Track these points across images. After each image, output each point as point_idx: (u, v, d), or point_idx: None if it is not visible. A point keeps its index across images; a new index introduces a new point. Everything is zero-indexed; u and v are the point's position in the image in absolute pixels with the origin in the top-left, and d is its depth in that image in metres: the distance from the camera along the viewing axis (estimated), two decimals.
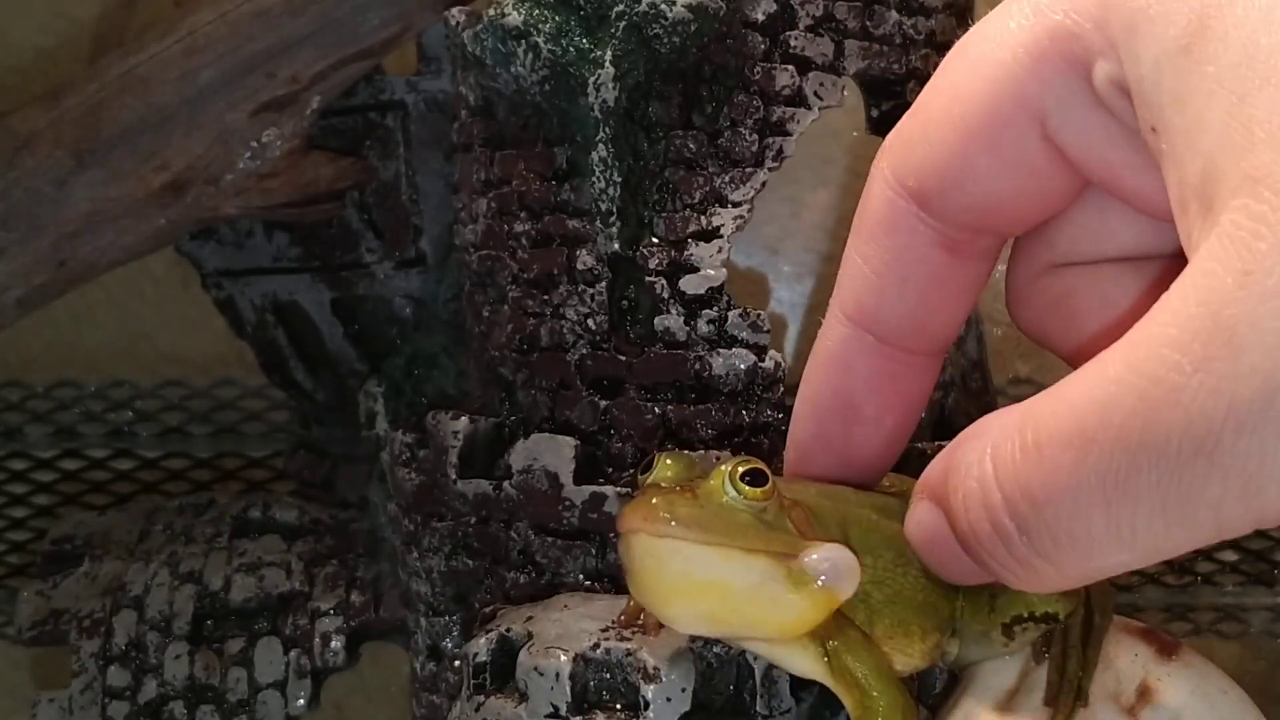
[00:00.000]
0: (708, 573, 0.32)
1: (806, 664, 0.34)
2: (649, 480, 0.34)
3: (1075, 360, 0.32)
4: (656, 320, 0.47)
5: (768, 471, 0.33)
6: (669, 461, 0.34)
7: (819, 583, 0.33)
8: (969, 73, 0.30)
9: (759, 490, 0.33)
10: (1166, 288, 0.25)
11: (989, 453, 0.28)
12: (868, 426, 0.35)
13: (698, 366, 0.47)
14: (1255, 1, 0.24)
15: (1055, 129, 0.29)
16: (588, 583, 0.46)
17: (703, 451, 0.46)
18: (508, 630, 0.41)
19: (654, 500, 0.32)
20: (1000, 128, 0.29)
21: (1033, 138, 0.29)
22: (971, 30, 0.30)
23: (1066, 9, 0.28)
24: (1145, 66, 0.26)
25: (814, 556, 0.33)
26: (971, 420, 0.51)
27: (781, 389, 0.48)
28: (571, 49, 0.46)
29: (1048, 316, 0.33)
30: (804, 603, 0.33)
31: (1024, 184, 0.30)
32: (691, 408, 0.47)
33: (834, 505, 0.35)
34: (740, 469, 0.33)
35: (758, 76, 0.48)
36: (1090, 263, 0.32)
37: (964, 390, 0.53)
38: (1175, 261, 0.25)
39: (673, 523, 0.32)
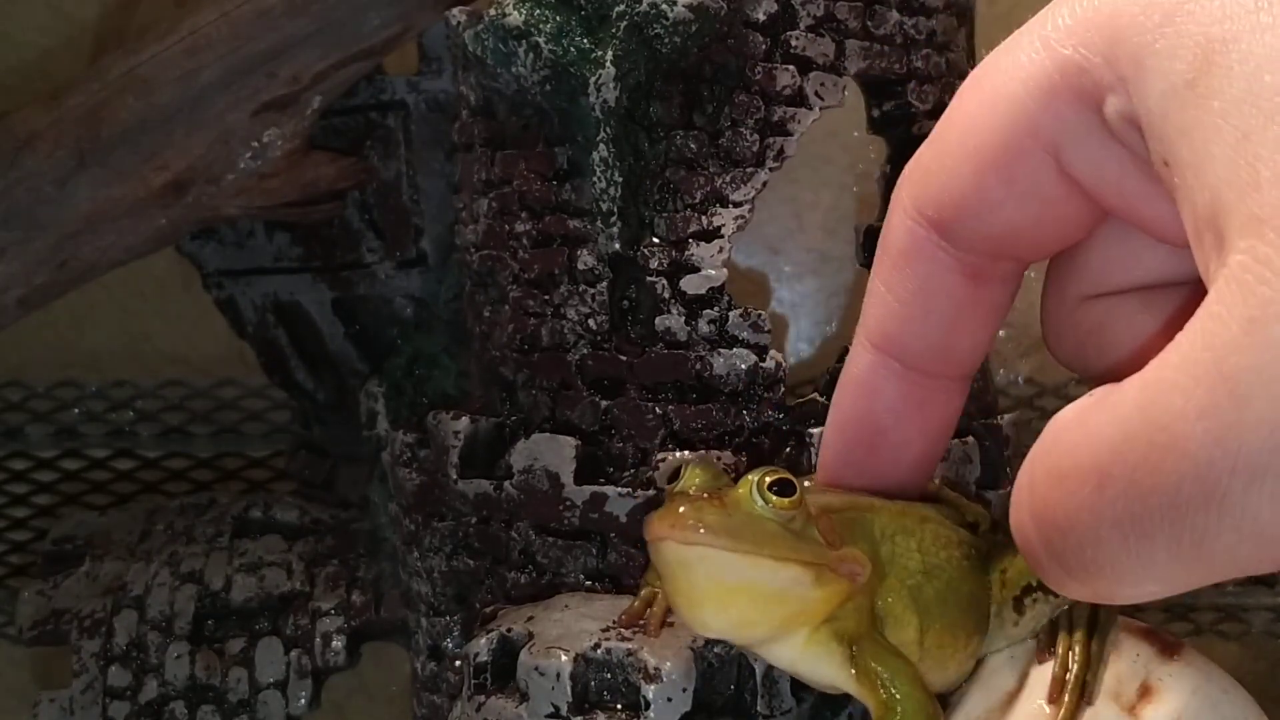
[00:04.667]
0: (737, 578, 0.33)
1: (832, 671, 0.34)
2: (676, 488, 0.34)
3: None
4: (657, 320, 0.47)
5: (795, 481, 0.33)
6: (697, 470, 0.34)
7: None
8: (982, 105, 0.30)
9: (787, 500, 0.33)
10: (1189, 317, 0.24)
11: (1027, 467, 0.28)
12: (894, 452, 0.35)
13: (699, 366, 0.47)
14: (1261, 38, 0.24)
15: (1069, 161, 0.29)
16: (588, 583, 0.46)
17: (704, 452, 0.46)
18: (508, 630, 0.41)
19: (682, 509, 0.32)
20: (1014, 160, 0.29)
21: (1047, 170, 0.29)
22: (984, 61, 0.30)
23: (1075, 44, 0.28)
24: (1153, 101, 0.26)
25: (845, 566, 0.34)
26: (972, 420, 0.51)
27: (782, 389, 0.48)
28: (572, 49, 0.46)
29: (1083, 348, 0.33)
30: (827, 593, 0.33)
31: (1041, 214, 0.30)
32: (692, 408, 0.47)
33: (859, 501, 0.36)
34: (768, 478, 0.33)
35: (759, 76, 0.48)
36: (1120, 292, 0.32)
37: None
38: (1200, 289, 0.25)
39: (701, 530, 0.32)
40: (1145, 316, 0.32)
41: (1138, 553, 0.25)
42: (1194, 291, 0.30)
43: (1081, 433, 0.26)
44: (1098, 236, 0.32)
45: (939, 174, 0.31)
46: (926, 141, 0.32)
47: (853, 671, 0.34)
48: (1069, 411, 0.27)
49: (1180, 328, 0.25)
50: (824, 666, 0.34)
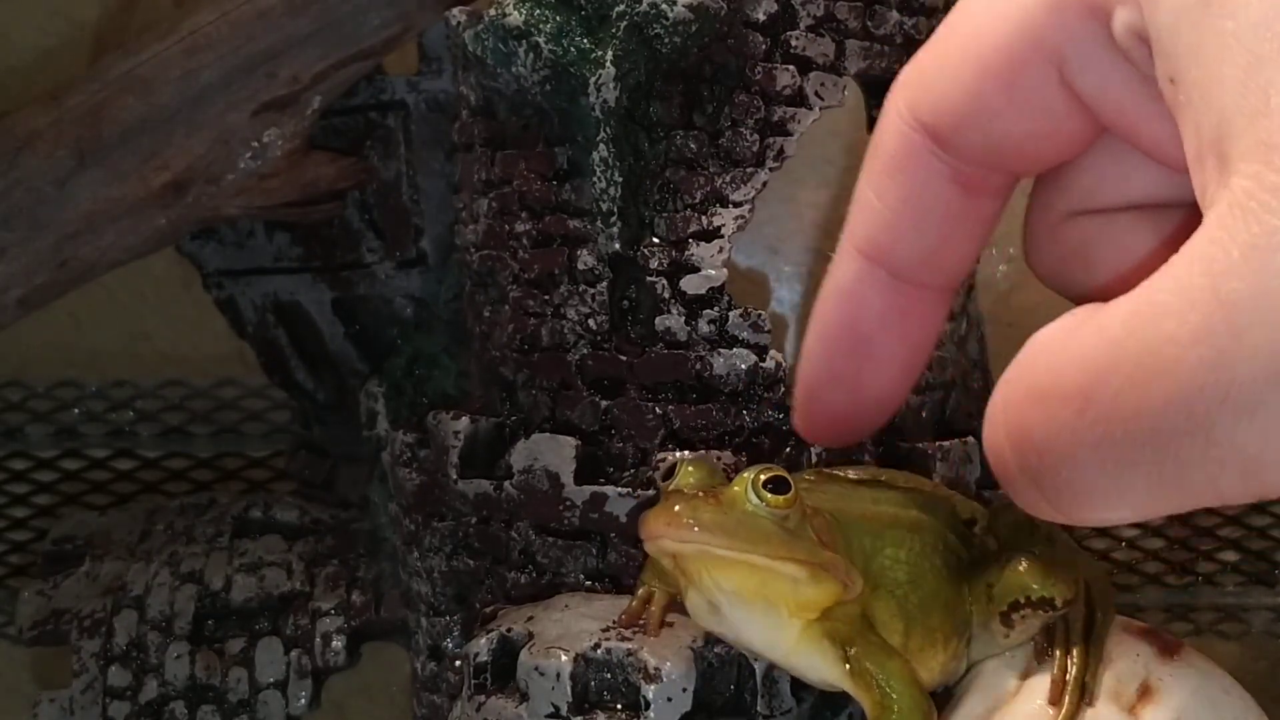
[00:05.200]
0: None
1: (826, 667, 0.34)
2: (671, 486, 0.34)
3: None
4: (657, 320, 0.47)
5: (790, 479, 0.33)
6: (691, 468, 0.34)
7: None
8: (988, 12, 0.29)
9: (782, 498, 0.33)
10: (1182, 241, 0.24)
11: (1003, 386, 0.28)
12: (878, 363, 0.35)
13: (699, 366, 0.47)
14: None
15: (1073, 74, 0.29)
16: (588, 583, 0.46)
17: (704, 452, 0.46)
18: (508, 630, 0.41)
19: (677, 507, 0.32)
20: (1018, 70, 0.29)
21: (1050, 82, 0.29)
22: None
23: None
24: (1165, 16, 0.25)
25: (838, 569, 0.34)
26: (972, 420, 0.51)
27: (782, 389, 0.48)
28: (572, 49, 0.46)
29: (1065, 265, 0.32)
30: (819, 592, 0.34)
31: (1040, 126, 0.30)
32: (692, 408, 0.47)
33: (853, 508, 0.35)
34: (763, 476, 0.33)
35: (759, 76, 0.48)
36: (1108, 210, 0.32)
37: (965, 390, 0.53)
38: (1193, 213, 0.25)
39: (696, 529, 0.32)
40: (1133, 236, 0.31)
41: (1116, 477, 0.25)
42: (1186, 214, 0.30)
43: (1064, 352, 0.26)
44: (1090, 152, 0.31)
45: (939, 79, 0.31)
46: (926, 45, 0.31)
47: (847, 668, 0.34)
48: (1051, 329, 0.27)
49: (1171, 250, 0.24)
50: (818, 663, 0.34)
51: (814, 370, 0.35)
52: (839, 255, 0.34)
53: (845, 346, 0.34)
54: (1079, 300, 0.28)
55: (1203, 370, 0.23)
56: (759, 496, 0.33)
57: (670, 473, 0.35)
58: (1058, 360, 0.26)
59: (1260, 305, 0.22)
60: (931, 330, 0.35)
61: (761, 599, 0.34)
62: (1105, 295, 0.26)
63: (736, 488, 0.33)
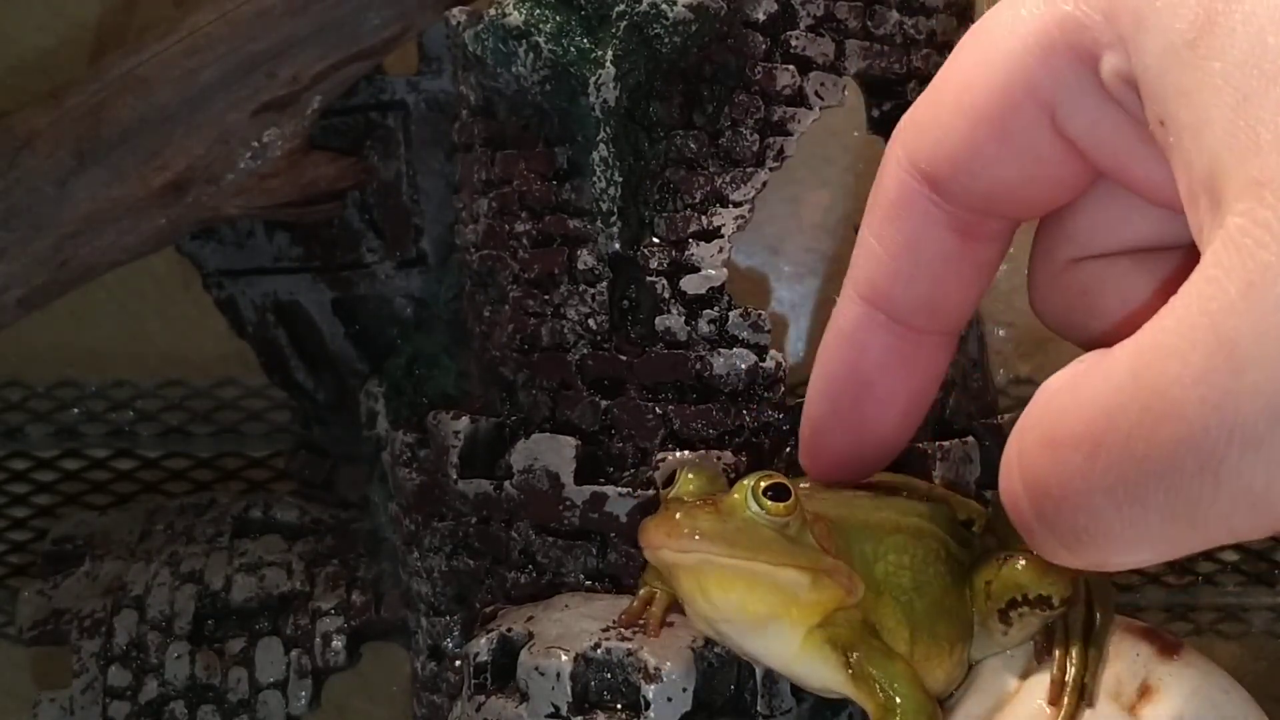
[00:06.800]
0: (734, 580, 0.33)
1: (827, 673, 0.34)
2: (671, 494, 0.34)
3: None
4: (657, 320, 0.47)
5: (790, 486, 0.33)
6: (691, 476, 0.34)
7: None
8: (980, 60, 0.30)
9: (782, 505, 0.33)
10: (1182, 282, 0.24)
11: (1016, 435, 0.28)
12: (881, 405, 0.35)
13: (699, 366, 0.47)
14: None
15: (1064, 119, 0.29)
16: (588, 582, 0.46)
17: (704, 452, 0.46)
18: (508, 630, 0.41)
19: (677, 516, 0.32)
20: (1010, 117, 0.29)
21: (1042, 127, 0.29)
22: (984, 17, 0.30)
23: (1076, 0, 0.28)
24: (1151, 59, 0.25)
25: (840, 575, 0.34)
26: (972, 420, 0.51)
27: (782, 389, 0.48)
28: (572, 49, 0.46)
29: (1070, 311, 0.33)
30: (821, 596, 0.34)
31: (1033, 172, 0.30)
32: (692, 408, 0.47)
33: (854, 514, 0.35)
34: (763, 484, 0.33)
35: (759, 76, 0.48)
36: (1108, 255, 0.32)
37: (964, 390, 0.53)
38: (1192, 254, 0.25)
39: (696, 537, 0.32)
40: (1135, 280, 0.32)
41: (1131, 520, 0.25)
42: (1185, 255, 0.31)
43: (1073, 399, 0.26)
44: (1088, 198, 0.31)
45: (933, 128, 0.31)
46: (922, 95, 0.32)
47: (850, 673, 0.34)
48: (1059, 378, 0.27)
49: (1172, 292, 0.24)
50: (820, 669, 0.34)
51: (818, 412, 0.36)
52: (842, 299, 0.35)
53: (848, 390, 0.35)
54: (1086, 345, 0.28)
55: (1206, 410, 0.23)
56: (759, 504, 0.33)
57: (670, 479, 0.35)
58: (1066, 407, 0.26)
59: (1260, 342, 0.22)
60: (934, 374, 0.35)
61: (761, 612, 0.34)
62: (1110, 340, 0.26)
63: (736, 495, 0.33)
